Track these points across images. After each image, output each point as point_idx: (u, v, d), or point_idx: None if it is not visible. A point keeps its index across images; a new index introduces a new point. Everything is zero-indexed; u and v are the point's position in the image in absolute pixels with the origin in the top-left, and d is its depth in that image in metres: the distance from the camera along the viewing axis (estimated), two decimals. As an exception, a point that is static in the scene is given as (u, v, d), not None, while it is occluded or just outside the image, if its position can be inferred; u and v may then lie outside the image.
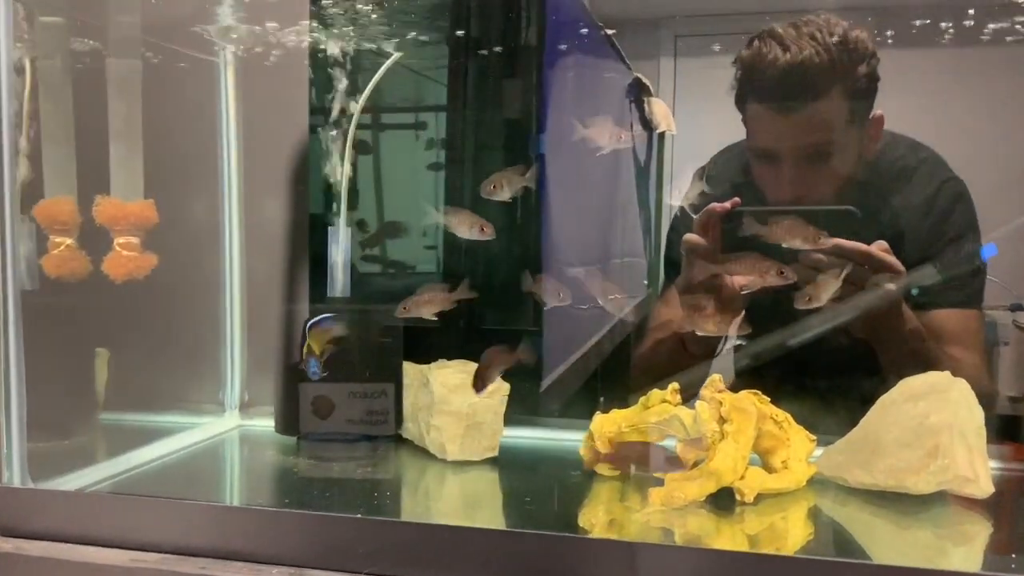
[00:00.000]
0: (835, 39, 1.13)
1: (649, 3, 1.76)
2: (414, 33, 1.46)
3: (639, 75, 1.85)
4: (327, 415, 1.17)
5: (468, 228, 1.06)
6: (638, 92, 1.88)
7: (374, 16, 1.30)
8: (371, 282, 1.60)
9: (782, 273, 1.04)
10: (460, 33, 1.49)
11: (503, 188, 1.06)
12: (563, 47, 1.60)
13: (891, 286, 1.09)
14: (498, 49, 1.53)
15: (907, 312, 1.14)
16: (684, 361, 1.21)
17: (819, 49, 1.13)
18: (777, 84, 1.15)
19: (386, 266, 1.67)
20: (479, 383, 1.04)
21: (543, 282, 1.12)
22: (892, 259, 1.09)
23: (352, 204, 1.83)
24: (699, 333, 1.10)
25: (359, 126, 1.63)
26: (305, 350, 1.13)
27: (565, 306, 1.56)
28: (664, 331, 1.31)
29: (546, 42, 1.55)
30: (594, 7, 1.62)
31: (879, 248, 1.09)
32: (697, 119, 1.79)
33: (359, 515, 0.83)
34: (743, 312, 1.23)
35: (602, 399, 1.64)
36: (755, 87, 1.19)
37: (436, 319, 1.10)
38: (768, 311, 1.17)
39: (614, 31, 1.66)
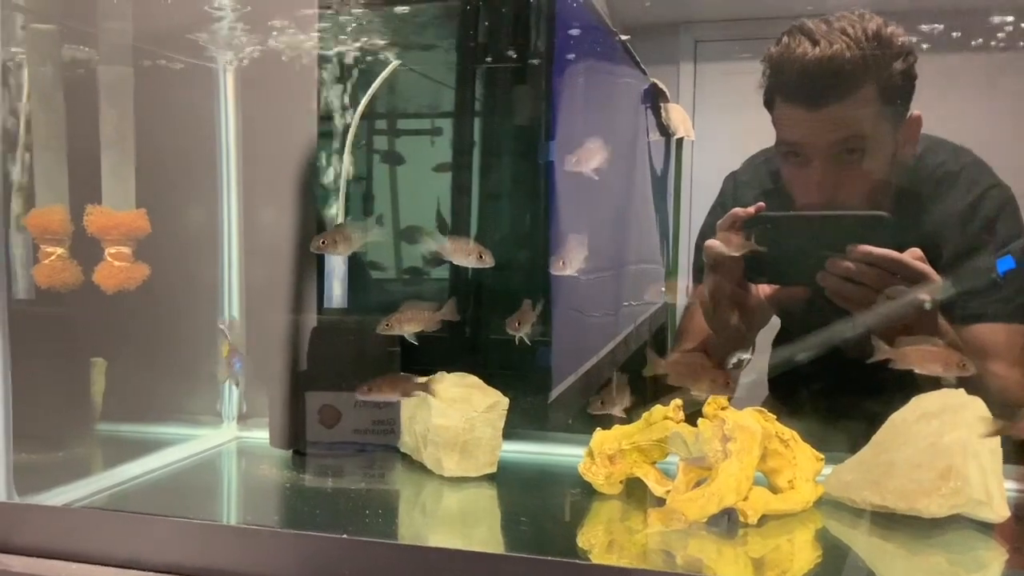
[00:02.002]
0: (868, 34, 1.08)
1: (668, 8, 1.73)
2: (423, 39, 1.44)
3: (655, 80, 1.83)
4: (333, 424, 1.16)
5: (466, 256, 1.04)
6: (655, 98, 1.86)
7: (383, 23, 1.28)
8: (385, 288, 1.58)
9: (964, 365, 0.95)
10: (468, 39, 1.48)
11: (336, 244, 1.03)
12: (574, 53, 1.57)
13: (925, 297, 1.02)
14: (507, 55, 1.51)
15: (943, 326, 1.07)
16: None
17: (851, 43, 1.08)
18: (806, 79, 1.10)
19: (400, 272, 1.65)
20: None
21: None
22: (926, 268, 1.03)
23: (368, 210, 1.82)
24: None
25: (383, 133, 1.61)
26: (227, 348, 1.12)
27: (577, 314, 1.54)
28: (692, 341, 1.27)
29: (556, 48, 1.53)
30: (612, 12, 1.59)
31: (912, 256, 1.03)
32: (717, 125, 1.75)
33: (344, 535, 0.81)
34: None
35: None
36: (783, 83, 1.14)
37: (414, 335, 1.08)
38: (801, 322, 1.13)
39: (628, 37, 1.64)
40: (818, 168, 1.13)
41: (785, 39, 1.12)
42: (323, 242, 1.01)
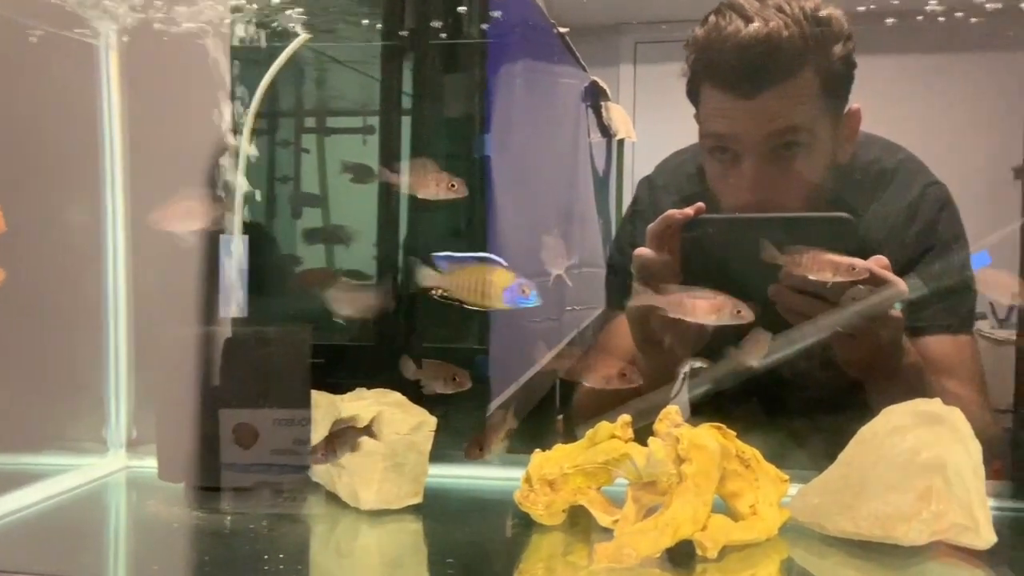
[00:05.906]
0: (806, 12, 0.99)
1: (609, 8, 1.69)
2: (343, 23, 1.34)
3: (596, 78, 1.77)
4: (250, 445, 1.03)
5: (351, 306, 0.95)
6: (595, 96, 1.80)
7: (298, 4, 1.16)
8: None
9: (739, 312, 0.89)
10: (395, 24, 1.38)
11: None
12: (511, 44, 1.49)
13: (896, 312, 0.93)
14: (436, 43, 1.41)
15: (906, 343, 0.98)
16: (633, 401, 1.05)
17: (788, 21, 0.97)
18: (737, 61, 0.99)
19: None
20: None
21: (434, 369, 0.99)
22: (894, 277, 0.92)
23: (296, 213, 1.72)
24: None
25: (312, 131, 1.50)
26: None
27: (517, 320, 1.45)
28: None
29: (491, 38, 1.44)
30: (552, 11, 1.52)
31: (878, 264, 0.92)
32: (658, 127, 1.73)
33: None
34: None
35: (560, 417, 1.52)
36: (712, 67, 1.02)
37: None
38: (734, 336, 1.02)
39: (568, 30, 1.57)
40: (751, 165, 1.01)
41: (713, 18, 1.01)
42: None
